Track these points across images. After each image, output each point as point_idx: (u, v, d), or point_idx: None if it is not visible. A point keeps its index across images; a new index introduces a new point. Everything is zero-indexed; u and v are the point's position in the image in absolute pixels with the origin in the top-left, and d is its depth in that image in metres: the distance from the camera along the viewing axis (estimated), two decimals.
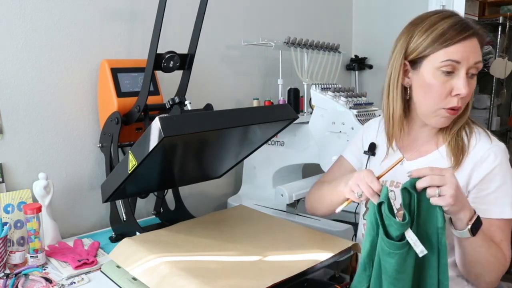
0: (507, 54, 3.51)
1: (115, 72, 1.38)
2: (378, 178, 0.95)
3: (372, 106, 1.60)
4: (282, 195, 1.55)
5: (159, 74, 1.46)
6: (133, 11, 1.57)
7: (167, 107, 1.33)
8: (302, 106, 1.88)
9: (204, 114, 1.14)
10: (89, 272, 1.14)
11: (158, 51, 1.28)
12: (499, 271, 0.97)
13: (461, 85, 0.96)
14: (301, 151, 1.73)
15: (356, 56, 2.53)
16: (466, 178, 1.00)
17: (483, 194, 0.99)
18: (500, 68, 3.26)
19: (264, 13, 2.05)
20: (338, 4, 2.48)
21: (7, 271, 1.13)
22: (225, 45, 1.90)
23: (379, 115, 1.30)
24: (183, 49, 1.39)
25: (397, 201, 1.07)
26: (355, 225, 1.41)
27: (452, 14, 1.00)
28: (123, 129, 1.35)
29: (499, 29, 3.34)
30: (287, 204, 1.59)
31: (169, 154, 1.18)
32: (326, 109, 1.56)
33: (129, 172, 1.07)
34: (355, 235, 1.22)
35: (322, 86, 1.61)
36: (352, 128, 1.48)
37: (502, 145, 1.02)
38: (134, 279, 1.04)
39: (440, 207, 0.85)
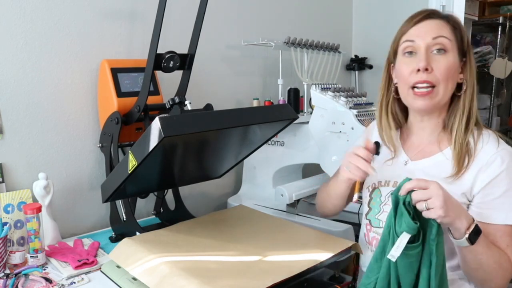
0: (507, 54, 3.51)
1: (115, 72, 1.38)
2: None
3: (372, 106, 1.60)
4: (282, 195, 1.55)
5: (159, 74, 1.46)
6: (133, 11, 1.57)
7: (167, 107, 1.33)
8: (302, 106, 1.88)
9: (204, 114, 1.14)
10: (89, 272, 1.14)
11: (158, 51, 1.28)
12: (504, 277, 0.96)
13: (419, 59, 0.99)
14: (301, 151, 1.73)
15: (356, 56, 2.53)
16: (471, 182, 0.99)
17: (489, 199, 0.97)
18: (500, 68, 3.26)
19: (264, 13, 2.05)
20: (338, 4, 2.48)
21: (7, 271, 1.13)
22: (225, 45, 1.90)
23: None
24: (183, 49, 1.39)
25: None
26: (355, 225, 1.42)
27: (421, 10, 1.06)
28: (123, 129, 1.34)
29: (499, 29, 3.34)
30: (287, 204, 1.59)
31: (169, 154, 1.18)
32: (326, 109, 1.56)
33: (129, 172, 1.07)
34: (357, 235, 1.22)
35: (322, 86, 1.61)
36: (352, 128, 1.48)
37: (509, 149, 1.00)
38: (134, 279, 1.04)
39: (432, 220, 0.85)
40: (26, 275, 1.08)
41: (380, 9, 2.44)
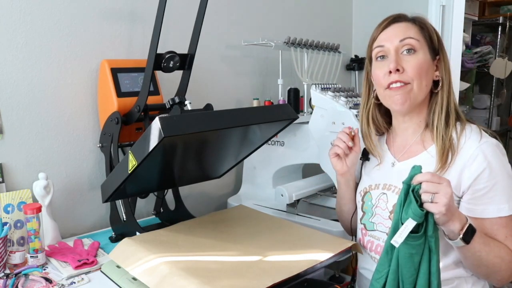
0: (507, 54, 3.52)
1: (115, 72, 1.38)
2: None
3: None
4: (282, 195, 1.55)
5: (159, 74, 1.46)
6: (133, 11, 1.57)
7: (167, 107, 1.33)
8: (302, 106, 1.88)
9: (204, 114, 1.14)
10: (89, 272, 1.14)
11: (158, 51, 1.28)
12: (508, 269, 0.97)
13: (389, 61, 1.04)
14: (301, 151, 1.73)
15: (356, 56, 2.53)
16: (457, 178, 1.00)
17: (479, 195, 0.98)
18: (500, 68, 3.26)
19: (264, 13, 2.05)
20: (338, 4, 2.48)
21: (7, 271, 1.13)
22: (225, 45, 1.90)
23: None
24: (183, 49, 1.39)
25: (389, 203, 1.08)
26: None
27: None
28: (123, 129, 1.35)
29: (499, 29, 3.35)
30: (287, 204, 1.59)
31: (169, 154, 1.18)
32: (326, 109, 1.56)
33: (129, 172, 1.07)
34: (355, 235, 1.22)
35: (322, 86, 1.61)
36: None
37: (492, 141, 1.01)
38: (134, 279, 1.04)
39: (432, 215, 0.85)
40: (26, 275, 1.08)
41: (380, 9, 2.44)
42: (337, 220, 1.49)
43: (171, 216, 1.49)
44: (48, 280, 1.08)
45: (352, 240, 1.20)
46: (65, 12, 1.40)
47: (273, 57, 2.00)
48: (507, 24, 3.35)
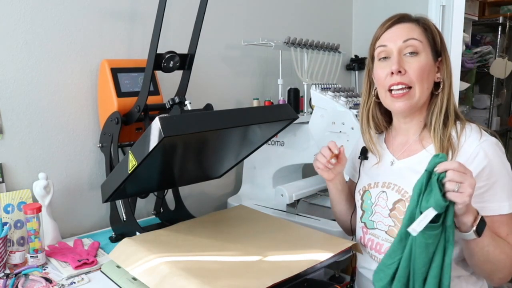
0: (507, 54, 3.51)
1: (115, 72, 1.38)
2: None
3: None
4: (282, 195, 1.55)
5: (159, 74, 1.46)
6: (133, 11, 1.57)
7: (167, 107, 1.33)
8: (302, 106, 1.88)
9: (204, 114, 1.14)
10: (89, 272, 1.14)
11: (158, 51, 1.28)
12: (510, 266, 0.97)
13: (391, 62, 1.03)
14: (301, 151, 1.73)
15: (356, 56, 2.53)
16: None
17: (479, 192, 0.98)
18: (500, 68, 3.26)
19: (264, 13, 2.05)
20: (338, 4, 2.48)
21: (7, 271, 1.13)
22: (225, 45, 1.90)
23: None
24: (183, 49, 1.39)
25: (389, 201, 1.08)
26: None
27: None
28: (123, 129, 1.35)
29: (499, 29, 3.34)
30: (287, 204, 1.59)
31: (169, 154, 1.18)
32: (326, 109, 1.56)
33: (129, 172, 1.07)
34: (355, 235, 1.22)
35: (322, 86, 1.61)
36: (352, 128, 1.48)
37: (492, 140, 1.01)
38: (134, 279, 1.04)
39: (453, 205, 0.84)
40: (26, 275, 1.08)
41: (380, 9, 2.44)
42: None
43: (171, 216, 1.49)
44: (48, 280, 1.08)
45: (351, 239, 1.20)
46: (65, 12, 1.40)
47: (273, 57, 2.00)
48: (507, 24, 3.35)
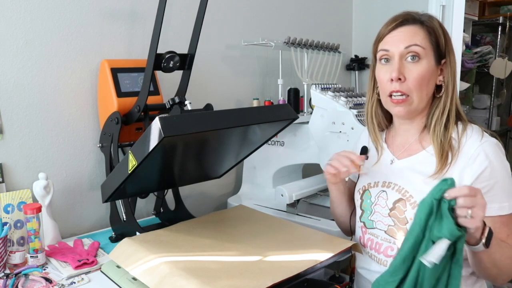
0: (507, 54, 3.51)
1: (115, 72, 1.38)
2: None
3: None
4: (282, 195, 1.55)
5: (159, 74, 1.46)
6: (133, 11, 1.57)
7: (167, 107, 1.33)
8: (302, 106, 1.88)
9: (204, 114, 1.14)
10: (89, 272, 1.14)
11: (158, 51, 1.28)
12: None
13: (392, 69, 1.02)
14: (301, 151, 1.73)
15: (356, 56, 2.53)
16: (458, 177, 0.99)
17: None
18: (500, 68, 3.26)
19: (264, 13, 2.05)
20: (338, 4, 2.48)
21: (7, 271, 1.13)
22: (225, 45, 1.90)
23: None
24: (183, 49, 1.39)
25: (389, 201, 1.08)
26: None
27: (398, 13, 1.07)
28: (123, 129, 1.35)
29: (499, 29, 3.34)
30: (287, 204, 1.59)
31: (169, 154, 1.18)
32: (326, 109, 1.56)
33: (129, 172, 1.07)
34: (354, 235, 1.22)
35: (322, 86, 1.61)
36: (352, 128, 1.48)
37: (493, 141, 1.01)
38: (134, 279, 1.04)
39: (465, 229, 0.82)
40: (26, 275, 1.08)
41: (380, 9, 2.44)
42: None
43: (171, 216, 1.49)
44: (48, 280, 1.08)
45: (350, 239, 1.20)
46: (65, 12, 1.40)
47: (273, 57, 2.00)
48: (507, 24, 3.35)
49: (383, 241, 1.09)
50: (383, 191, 1.10)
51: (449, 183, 0.82)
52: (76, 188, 1.48)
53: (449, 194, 0.81)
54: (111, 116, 1.35)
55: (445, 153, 1.01)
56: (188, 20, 1.43)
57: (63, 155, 1.44)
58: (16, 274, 1.07)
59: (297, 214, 1.59)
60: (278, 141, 1.79)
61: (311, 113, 1.67)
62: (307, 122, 1.64)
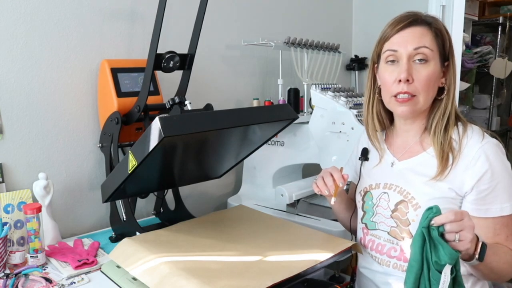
0: (507, 54, 3.51)
1: (115, 72, 1.38)
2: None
3: None
4: (282, 195, 1.55)
5: (159, 74, 1.46)
6: (133, 11, 1.57)
7: (167, 107, 1.33)
8: (302, 106, 1.88)
9: (204, 114, 1.14)
10: (89, 272, 1.14)
11: (158, 51, 1.28)
12: None
13: (400, 70, 1.01)
14: (301, 151, 1.73)
15: (356, 56, 2.53)
16: (459, 178, 1.00)
17: (482, 195, 0.99)
18: (500, 68, 3.26)
19: (264, 13, 2.05)
20: (338, 4, 2.48)
21: (7, 271, 1.13)
22: (225, 45, 1.90)
23: None
24: (183, 49, 1.39)
25: (391, 202, 1.08)
26: None
27: (404, 13, 1.06)
28: (123, 129, 1.34)
29: (499, 29, 3.34)
30: (287, 204, 1.59)
31: (169, 154, 1.18)
32: (326, 109, 1.56)
33: (129, 172, 1.07)
34: (355, 235, 1.22)
35: (322, 86, 1.61)
36: (352, 128, 1.48)
37: (494, 141, 1.01)
38: (134, 279, 1.04)
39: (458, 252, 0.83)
40: (26, 275, 1.08)
41: (380, 9, 2.44)
42: (337, 220, 1.49)
43: (171, 216, 1.49)
44: (48, 280, 1.08)
45: (352, 239, 1.20)
46: (65, 12, 1.40)
47: (273, 57, 2.00)
48: (507, 24, 3.35)
49: (386, 242, 1.09)
50: (385, 192, 1.10)
51: (434, 211, 0.84)
52: (76, 188, 1.48)
53: (435, 222, 0.83)
54: (111, 116, 1.35)
55: (445, 155, 1.02)
56: (188, 20, 1.43)
57: (63, 155, 1.44)
58: (16, 274, 1.07)
59: (297, 214, 1.59)
60: (278, 141, 1.79)
61: (311, 113, 1.67)
62: (307, 122, 1.64)
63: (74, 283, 1.08)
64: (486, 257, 0.90)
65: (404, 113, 1.05)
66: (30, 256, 1.17)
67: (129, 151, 1.06)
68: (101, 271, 1.14)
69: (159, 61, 1.31)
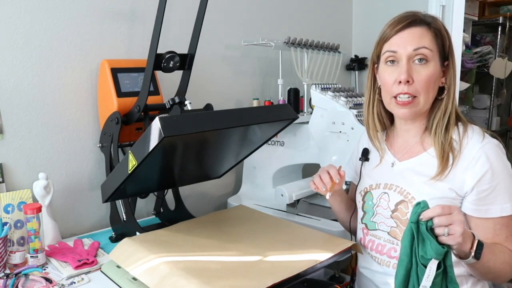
0: (507, 54, 3.51)
1: (115, 72, 1.38)
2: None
3: None
4: (282, 195, 1.55)
5: (159, 74, 1.46)
6: (133, 11, 1.57)
7: (167, 107, 1.33)
8: (302, 106, 1.88)
9: (204, 114, 1.14)
10: (89, 272, 1.14)
11: (158, 51, 1.28)
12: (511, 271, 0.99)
13: (400, 71, 1.00)
14: (301, 151, 1.73)
15: (356, 56, 2.53)
16: (460, 178, 1.00)
17: (483, 195, 0.99)
18: (500, 68, 3.26)
19: (264, 13, 2.05)
20: (338, 4, 2.48)
21: (7, 271, 1.13)
22: (225, 45, 1.90)
23: None
24: (183, 49, 1.39)
25: (391, 203, 1.08)
26: None
27: (403, 13, 1.05)
28: (123, 129, 1.35)
29: (499, 29, 3.34)
30: (287, 204, 1.59)
31: (169, 154, 1.18)
32: (326, 109, 1.56)
33: (129, 172, 1.07)
34: (355, 235, 1.22)
35: (322, 86, 1.61)
36: (352, 128, 1.48)
37: (494, 142, 1.01)
38: (134, 279, 1.04)
39: (449, 246, 0.84)
40: (26, 275, 1.08)
41: (380, 9, 2.44)
42: (337, 220, 1.49)
43: (171, 216, 1.49)
44: (48, 280, 1.08)
45: (352, 240, 1.20)
46: (65, 12, 1.40)
47: (273, 57, 2.00)
48: (507, 24, 3.35)
49: (386, 242, 1.09)
50: (385, 193, 1.10)
51: (422, 206, 0.84)
52: (76, 188, 1.48)
53: (423, 216, 0.83)
54: (111, 116, 1.35)
55: (446, 154, 1.02)
56: (188, 20, 1.43)
57: (63, 155, 1.44)
58: (16, 274, 1.07)
59: (297, 214, 1.59)
60: (278, 141, 1.79)
61: (311, 113, 1.67)
62: (307, 122, 1.64)
63: (74, 283, 1.08)
64: (483, 256, 0.90)
65: (405, 115, 1.05)
66: (30, 256, 1.17)
67: (129, 151, 1.06)
68: (101, 271, 1.14)
69: (159, 61, 1.31)
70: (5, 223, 1.16)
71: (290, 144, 1.76)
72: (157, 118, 0.96)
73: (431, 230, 0.83)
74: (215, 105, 1.40)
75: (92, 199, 1.51)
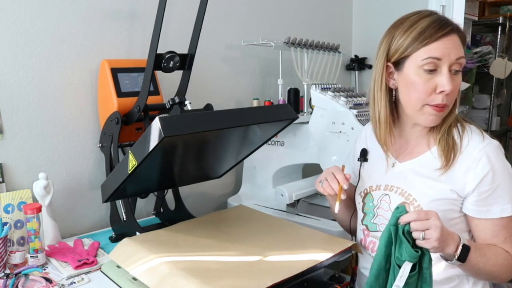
0: (507, 54, 3.51)
1: (115, 72, 1.38)
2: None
3: None
4: (282, 195, 1.55)
5: (159, 74, 1.46)
6: (133, 11, 1.57)
7: (167, 107, 1.33)
8: (302, 106, 1.88)
9: (204, 114, 1.14)
10: (89, 272, 1.14)
11: (158, 51, 1.28)
12: (508, 271, 0.99)
13: (445, 82, 0.96)
14: (301, 151, 1.73)
15: (356, 56, 2.53)
16: (461, 180, 1.00)
17: (483, 197, 0.99)
18: (500, 68, 3.26)
19: (264, 13, 2.05)
20: (338, 4, 2.48)
21: (7, 271, 1.13)
22: (225, 45, 1.90)
23: None
24: (183, 49, 1.39)
25: (392, 204, 1.08)
26: None
27: (431, 13, 1.01)
28: (123, 129, 1.35)
29: (499, 29, 3.34)
30: (287, 204, 1.59)
31: (169, 154, 1.18)
32: (326, 109, 1.56)
33: (129, 172, 1.07)
34: (355, 236, 1.22)
35: (322, 86, 1.61)
36: (352, 128, 1.48)
37: (495, 143, 1.02)
38: (134, 279, 1.04)
39: (426, 250, 0.87)
40: (26, 275, 1.08)
41: (380, 9, 2.44)
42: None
43: (171, 216, 1.49)
44: (48, 280, 1.08)
45: (352, 240, 1.20)
46: (65, 12, 1.40)
47: (273, 57, 2.00)
48: (507, 24, 3.35)
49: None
50: (386, 194, 1.10)
51: (400, 210, 0.88)
52: (76, 188, 1.48)
53: (401, 220, 0.87)
54: (111, 116, 1.35)
55: (450, 149, 1.02)
56: (188, 20, 1.43)
57: (63, 155, 1.44)
58: (16, 274, 1.07)
59: (297, 214, 1.59)
60: (278, 141, 1.79)
61: (311, 113, 1.67)
62: (307, 122, 1.64)
63: (74, 283, 1.08)
64: (471, 258, 0.91)
65: (433, 123, 1.02)
66: (30, 256, 1.17)
67: (129, 151, 1.06)
68: (101, 271, 1.14)
69: (159, 61, 1.31)
70: (5, 223, 1.16)
71: (290, 144, 1.76)
72: (157, 118, 0.96)
73: (408, 233, 0.86)
74: (215, 105, 1.40)
75: (92, 199, 1.51)
